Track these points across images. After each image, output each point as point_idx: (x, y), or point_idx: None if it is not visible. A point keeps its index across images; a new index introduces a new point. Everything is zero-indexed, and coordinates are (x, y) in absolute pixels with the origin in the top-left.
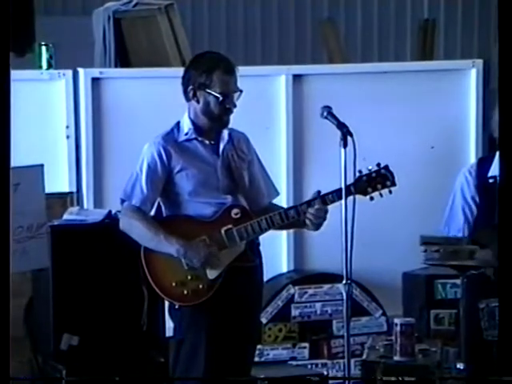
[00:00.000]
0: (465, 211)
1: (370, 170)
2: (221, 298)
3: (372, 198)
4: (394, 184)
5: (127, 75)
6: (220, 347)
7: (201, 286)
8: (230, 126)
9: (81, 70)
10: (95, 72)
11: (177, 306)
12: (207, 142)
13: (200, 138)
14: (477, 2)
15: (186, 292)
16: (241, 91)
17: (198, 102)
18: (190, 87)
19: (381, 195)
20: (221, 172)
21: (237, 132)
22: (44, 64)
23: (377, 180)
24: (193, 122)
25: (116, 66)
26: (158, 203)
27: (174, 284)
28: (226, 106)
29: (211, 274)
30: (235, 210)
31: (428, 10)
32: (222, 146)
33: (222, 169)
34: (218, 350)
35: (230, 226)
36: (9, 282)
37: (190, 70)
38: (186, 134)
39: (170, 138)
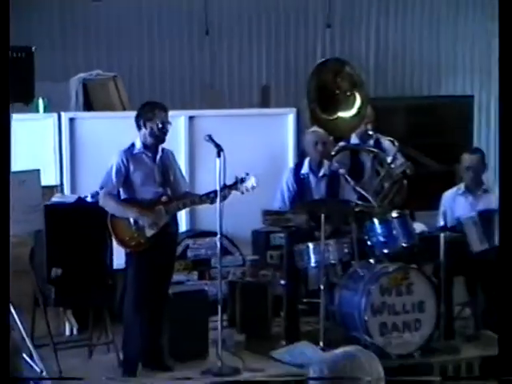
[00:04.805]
0: (288, 192)
1: (236, 180)
2: (154, 249)
3: (242, 193)
4: (239, 188)
5: (92, 116)
6: (152, 276)
7: (142, 241)
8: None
9: (63, 114)
10: (72, 114)
11: (127, 251)
12: (150, 154)
13: (146, 152)
14: None
15: (133, 243)
16: (170, 123)
17: (146, 128)
18: (142, 120)
19: (242, 193)
20: (157, 173)
21: (166, 149)
22: (41, 109)
23: (237, 185)
24: (142, 142)
25: (84, 111)
26: (118, 190)
27: (127, 238)
28: (163, 130)
29: (149, 233)
30: (164, 197)
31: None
32: (158, 157)
33: (158, 171)
34: (149, 277)
35: (160, 206)
36: (8, 282)
37: (141, 111)
38: (139, 149)
39: (128, 151)
